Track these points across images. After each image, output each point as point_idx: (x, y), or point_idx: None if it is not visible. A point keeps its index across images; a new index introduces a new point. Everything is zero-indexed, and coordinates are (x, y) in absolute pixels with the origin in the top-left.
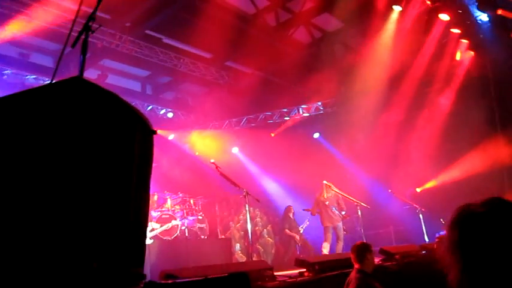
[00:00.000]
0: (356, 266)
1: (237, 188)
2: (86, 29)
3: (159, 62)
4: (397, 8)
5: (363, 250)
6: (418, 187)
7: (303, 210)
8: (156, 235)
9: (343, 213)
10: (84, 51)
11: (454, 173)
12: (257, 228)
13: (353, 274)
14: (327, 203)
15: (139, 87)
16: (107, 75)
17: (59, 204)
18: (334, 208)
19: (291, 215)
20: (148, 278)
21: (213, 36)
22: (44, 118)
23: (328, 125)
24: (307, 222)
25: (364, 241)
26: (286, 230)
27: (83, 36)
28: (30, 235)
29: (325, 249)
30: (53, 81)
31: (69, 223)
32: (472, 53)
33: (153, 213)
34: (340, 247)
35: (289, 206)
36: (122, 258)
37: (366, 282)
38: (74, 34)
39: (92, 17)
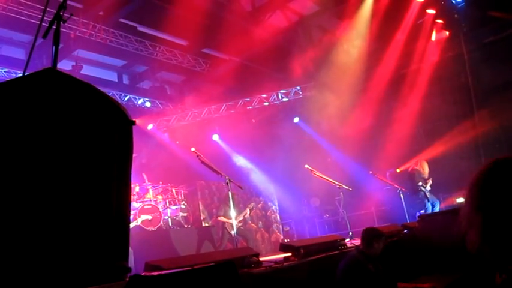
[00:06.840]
0: (361, 247)
1: (219, 176)
2: (57, 18)
3: (134, 51)
4: None
5: (371, 237)
6: (398, 168)
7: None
8: (139, 226)
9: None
10: (56, 42)
11: (433, 152)
12: (240, 214)
13: (354, 252)
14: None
15: (116, 77)
16: (82, 66)
17: (38, 201)
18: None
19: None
20: (133, 271)
21: (188, 23)
22: (17, 112)
23: (308, 109)
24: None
25: (376, 227)
26: (222, 217)
27: (54, 26)
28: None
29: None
30: (25, 74)
31: (50, 219)
32: (447, 32)
33: (135, 204)
34: None
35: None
36: (106, 252)
37: (366, 265)
38: (45, 25)
39: (62, 6)
